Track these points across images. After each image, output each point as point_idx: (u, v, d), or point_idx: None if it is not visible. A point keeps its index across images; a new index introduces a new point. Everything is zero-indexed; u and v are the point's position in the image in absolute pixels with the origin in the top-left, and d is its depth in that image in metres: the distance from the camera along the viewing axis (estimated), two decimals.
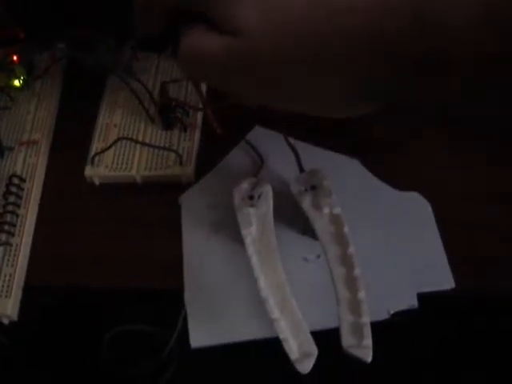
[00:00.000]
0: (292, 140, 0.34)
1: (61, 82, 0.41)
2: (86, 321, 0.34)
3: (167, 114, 0.37)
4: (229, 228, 0.33)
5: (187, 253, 0.33)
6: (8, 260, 0.34)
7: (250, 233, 0.30)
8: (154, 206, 0.35)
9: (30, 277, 0.34)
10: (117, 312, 0.33)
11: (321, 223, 0.30)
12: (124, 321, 0.32)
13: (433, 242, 0.32)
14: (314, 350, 0.27)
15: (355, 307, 0.27)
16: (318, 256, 0.32)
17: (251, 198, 0.31)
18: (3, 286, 0.33)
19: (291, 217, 0.32)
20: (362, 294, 0.28)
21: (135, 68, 0.40)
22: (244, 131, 0.37)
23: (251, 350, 0.30)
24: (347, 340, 0.27)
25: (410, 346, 0.31)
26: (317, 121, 0.36)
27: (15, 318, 0.33)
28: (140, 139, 0.37)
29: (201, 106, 0.37)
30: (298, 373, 0.26)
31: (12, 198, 0.35)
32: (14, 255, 0.34)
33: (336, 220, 0.30)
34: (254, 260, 0.29)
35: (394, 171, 0.34)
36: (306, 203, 0.31)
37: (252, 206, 0.31)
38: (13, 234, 0.34)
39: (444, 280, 0.31)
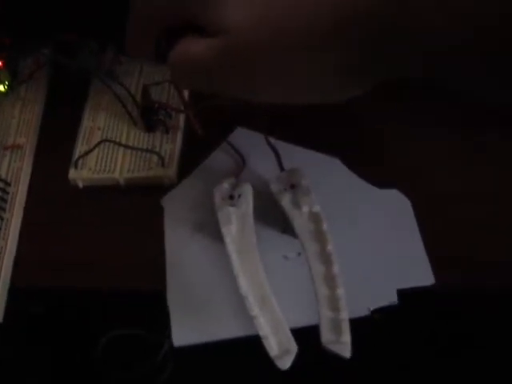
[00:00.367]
0: (273, 140, 0.35)
1: (45, 86, 0.42)
2: (80, 325, 0.34)
3: (149, 116, 0.37)
4: (210, 228, 0.33)
5: (170, 253, 0.33)
6: None
7: (229, 231, 0.30)
8: (137, 207, 0.35)
9: (15, 280, 0.34)
10: (111, 316, 0.34)
11: (300, 221, 0.30)
12: (118, 325, 0.32)
13: (412, 238, 0.32)
14: (293, 346, 0.27)
15: (334, 304, 0.28)
16: (299, 254, 0.32)
17: (231, 197, 0.32)
18: None
19: (272, 216, 0.33)
20: (340, 291, 0.28)
21: (118, 71, 0.40)
22: (226, 132, 0.37)
23: (247, 351, 0.30)
24: (326, 336, 0.27)
25: (390, 343, 0.31)
26: (298, 120, 0.36)
27: (0, 320, 0.33)
28: (123, 142, 0.37)
29: (183, 108, 0.37)
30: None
31: None
32: None
33: (315, 218, 0.30)
34: (234, 258, 0.29)
35: (375, 169, 0.35)
36: (286, 202, 0.31)
37: (232, 205, 0.31)
38: None
39: (424, 276, 0.31)
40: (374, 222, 0.33)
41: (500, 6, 0.20)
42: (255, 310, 0.28)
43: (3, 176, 0.37)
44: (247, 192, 0.32)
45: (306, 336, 0.28)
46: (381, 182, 0.34)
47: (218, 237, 0.31)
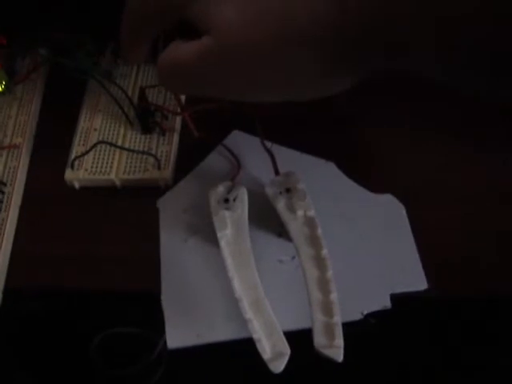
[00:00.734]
0: (269, 144, 0.35)
1: (42, 86, 0.42)
2: (75, 324, 0.34)
3: (146, 118, 0.37)
4: (205, 231, 0.33)
5: (164, 255, 0.33)
6: None
7: (225, 235, 0.31)
8: (132, 209, 0.35)
9: (10, 280, 0.34)
10: (105, 315, 0.34)
11: (295, 225, 0.30)
12: (113, 323, 0.32)
13: (406, 243, 0.32)
14: (286, 349, 0.27)
15: (327, 308, 0.28)
16: (293, 257, 0.32)
17: (227, 201, 0.32)
18: None
19: (267, 219, 0.33)
20: (334, 296, 0.28)
21: (115, 73, 0.40)
22: (222, 135, 0.37)
23: (241, 351, 0.30)
24: (319, 340, 0.27)
25: (383, 347, 0.31)
26: (293, 124, 0.37)
27: None
28: (119, 143, 0.37)
29: (179, 110, 0.37)
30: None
31: None
32: None
33: (310, 222, 0.30)
34: (229, 261, 0.30)
35: (369, 174, 0.35)
36: (281, 206, 0.31)
37: (227, 208, 0.31)
38: None
39: (417, 281, 0.31)
40: (368, 226, 0.33)
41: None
42: (249, 313, 0.28)
43: None
44: (242, 195, 0.32)
45: (300, 339, 0.28)
46: (375, 186, 0.34)
47: (212, 240, 0.31)
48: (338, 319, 0.28)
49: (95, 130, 0.38)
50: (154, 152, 0.36)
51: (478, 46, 0.21)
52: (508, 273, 0.31)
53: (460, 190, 0.35)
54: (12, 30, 0.41)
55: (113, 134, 0.38)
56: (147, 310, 0.33)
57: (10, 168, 0.38)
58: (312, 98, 0.27)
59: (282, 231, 0.32)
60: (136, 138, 0.37)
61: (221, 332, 0.31)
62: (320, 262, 0.29)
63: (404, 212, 0.34)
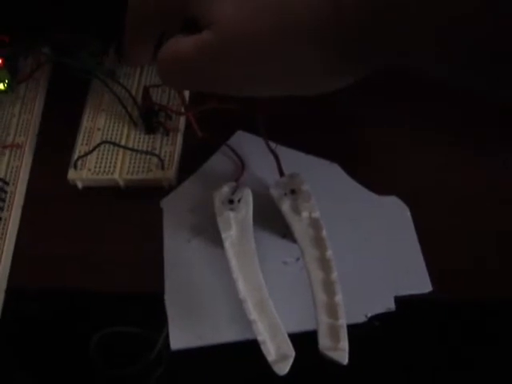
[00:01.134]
0: (273, 144, 0.35)
1: (45, 85, 0.41)
2: (77, 324, 0.34)
3: (150, 118, 0.37)
4: (209, 231, 0.33)
5: (168, 255, 0.33)
6: None
7: (229, 236, 0.30)
8: (136, 209, 0.35)
9: (12, 279, 0.34)
10: (105, 314, 0.34)
11: (300, 227, 0.30)
12: (112, 322, 0.32)
13: (411, 245, 0.32)
14: (291, 351, 0.27)
15: (332, 310, 0.28)
16: (298, 259, 0.32)
17: (231, 201, 0.32)
18: None
19: (271, 220, 0.33)
20: (338, 298, 0.28)
21: (119, 72, 0.40)
22: (226, 136, 0.37)
23: (240, 351, 0.31)
24: (324, 342, 0.27)
25: (387, 350, 0.31)
26: (298, 125, 0.37)
27: None
28: (123, 143, 0.37)
29: (183, 110, 0.37)
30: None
31: None
32: None
33: (315, 224, 0.30)
34: (233, 263, 0.30)
35: (374, 176, 0.35)
36: (286, 207, 0.31)
37: (232, 209, 0.31)
38: None
39: (421, 283, 0.31)
40: (372, 227, 0.33)
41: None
42: (253, 315, 0.28)
43: (2, 175, 0.37)
44: (247, 196, 0.32)
45: (304, 341, 0.28)
46: (380, 188, 0.34)
47: (216, 240, 0.31)
48: (342, 321, 0.27)
49: (98, 129, 0.38)
50: (157, 152, 0.36)
51: (478, 45, 0.21)
52: None
53: (461, 190, 0.34)
54: (15, 30, 0.41)
55: (116, 134, 0.38)
56: (147, 309, 0.32)
57: (12, 167, 0.37)
58: (314, 94, 0.27)
59: (286, 232, 0.32)
60: (139, 137, 0.37)
61: (224, 333, 0.31)
62: (325, 264, 0.29)
63: (408, 213, 0.33)
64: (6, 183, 0.37)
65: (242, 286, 0.29)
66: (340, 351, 0.27)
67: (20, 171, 0.37)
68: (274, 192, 0.32)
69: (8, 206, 0.36)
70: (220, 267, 0.31)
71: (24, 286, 0.34)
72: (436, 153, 0.36)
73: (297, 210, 0.31)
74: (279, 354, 0.27)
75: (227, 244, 0.30)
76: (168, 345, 0.30)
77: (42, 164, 0.38)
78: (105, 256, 0.34)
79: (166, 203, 0.35)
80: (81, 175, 0.36)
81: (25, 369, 0.34)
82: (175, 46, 0.27)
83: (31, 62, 0.42)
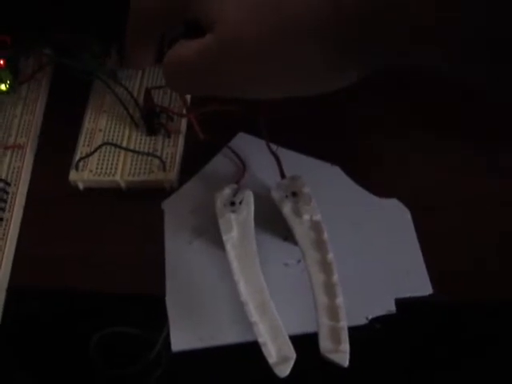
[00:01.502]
0: (274, 146, 0.35)
1: (47, 86, 0.41)
2: (74, 322, 0.34)
3: (151, 119, 0.37)
4: (210, 233, 0.33)
5: (169, 257, 0.33)
6: None
7: (230, 238, 0.30)
8: (137, 210, 0.35)
9: (14, 280, 0.34)
10: (104, 314, 0.34)
11: (301, 229, 0.30)
12: (111, 323, 0.32)
13: (411, 248, 0.32)
14: (292, 354, 0.27)
15: (333, 313, 0.28)
16: (299, 261, 0.32)
17: (232, 203, 0.32)
18: None
19: (272, 223, 0.33)
20: (339, 300, 0.28)
21: (120, 74, 0.40)
22: (228, 138, 0.37)
23: (239, 352, 0.31)
24: (325, 345, 0.27)
25: (388, 352, 0.31)
26: (299, 127, 0.37)
27: None
28: (124, 144, 0.37)
29: (185, 112, 0.37)
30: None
31: None
32: None
33: (316, 226, 0.30)
34: (235, 265, 0.30)
35: (375, 178, 0.35)
36: (287, 209, 0.31)
37: (233, 211, 0.31)
38: None
39: (422, 285, 0.31)
40: (373, 230, 0.33)
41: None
42: (255, 317, 0.28)
43: (3, 176, 0.37)
44: (248, 198, 0.32)
45: (305, 343, 0.28)
46: (381, 190, 0.34)
47: (218, 242, 0.31)
48: (344, 324, 0.28)
49: (100, 130, 0.38)
50: (159, 154, 0.36)
51: (478, 45, 0.21)
52: None
53: (461, 192, 0.35)
54: (16, 30, 0.41)
55: (118, 135, 0.38)
56: (147, 310, 0.33)
57: (14, 168, 0.37)
58: (314, 94, 0.27)
59: (287, 235, 0.32)
60: (141, 139, 0.37)
61: (225, 335, 0.31)
62: (326, 266, 0.29)
63: (409, 216, 0.34)
64: (8, 184, 0.37)
65: (243, 288, 0.29)
66: (341, 353, 0.27)
67: (21, 172, 0.37)
68: (275, 194, 0.32)
69: (9, 206, 0.36)
70: (221, 269, 0.31)
71: (25, 286, 0.34)
72: (436, 155, 0.36)
73: (298, 213, 0.31)
74: (280, 356, 0.27)
75: (228, 246, 0.30)
76: (168, 345, 0.31)
77: (44, 165, 0.38)
78: (106, 257, 0.34)
79: (168, 205, 0.35)
80: (82, 176, 0.36)
81: (25, 369, 0.34)
82: (179, 50, 0.27)
83: (33, 63, 0.42)
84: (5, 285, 0.34)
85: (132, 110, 0.38)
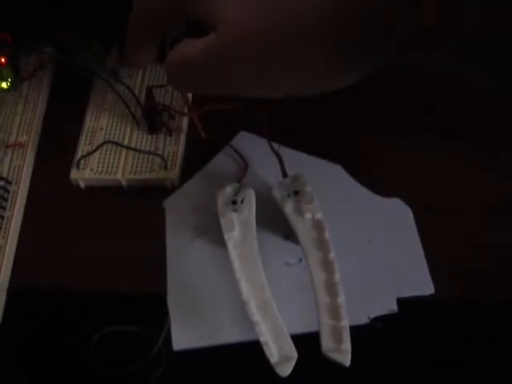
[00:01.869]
0: (276, 145, 0.35)
1: (48, 84, 0.41)
2: (74, 322, 0.34)
3: (153, 118, 0.37)
4: (212, 232, 0.33)
5: (171, 256, 0.33)
6: None
7: (232, 237, 0.30)
8: (138, 209, 0.35)
9: (14, 279, 0.34)
10: (105, 313, 0.34)
11: (302, 228, 0.30)
12: (112, 322, 0.32)
13: (413, 247, 0.32)
14: (293, 353, 0.27)
15: (334, 312, 0.28)
16: (300, 260, 0.32)
17: (234, 202, 0.32)
18: None
19: (274, 221, 0.33)
20: (341, 299, 0.28)
21: (122, 72, 0.40)
22: (229, 136, 0.37)
23: (239, 351, 0.31)
24: (326, 344, 0.27)
25: (390, 351, 0.31)
26: (300, 126, 0.37)
27: None
28: (126, 143, 0.37)
29: (186, 110, 0.37)
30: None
31: None
32: None
33: (318, 225, 0.30)
34: (236, 263, 0.30)
35: (377, 177, 0.35)
36: (289, 208, 0.31)
37: (235, 210, 0.31)
38: None
39: (423, 285, 0.31)
40: (374, 229, 0.33)
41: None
42: (256, 316, 0.28)
43: (4, 174, 0.37)
44: (250, 197, 0.32)
45: (307, 343, 0.28)
46: (383, 189, 0.34)
47: (219, 241, 0.31)
48: (345, 323, 0.28)
49: (101, 129, 0.38)
50: (160, 152, 0.36)
51: (478, 45, 0.21)
52: None
53: (462, 192, 0.35)
54: (17, 29, 0.40)
55: (119, 134, 0.38)
56: (147, 309, 0.32)
57: (15, 167, 0.37)
58: (314, 94, 0.27)
59: (289, 233, 0.32)
60: (142, 137, 0.37)
61: (227, 334, 0.31)
62: (327, 265, 0.29)
63: (411, 215, 0.34)
64: (9, 182, 0.36)
65: (244, 286, 0.29)
66: (342, 353, 0.27)
67: (22, 170, 0.37)
68: (277, 193, 0.32)
69: (10, 205, 0.36)
70: (223, 268, 0.31)
71: (25, 285, 0.34)
72: (437, 154, 0.36)
73: (300, 212, 0.31)
74: (282, 356, 0.27)
75: (230, 245, 0.30)
76: (168, 344, 0.31)
77: (45, 163, 0.38)
78: (107, 256, 0.34)
79: (169, 203, 0.35)
80: (83, 175, 0.36)
81: (25, 369, 0.34)
82: (182, 49, 0.27)
83: (34, 61, 0.42)
84: (5, 284, 0.34)
85: (133, 108, 0.38)
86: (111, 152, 0.37)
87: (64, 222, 0.36)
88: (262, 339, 0.27)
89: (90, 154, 0.36)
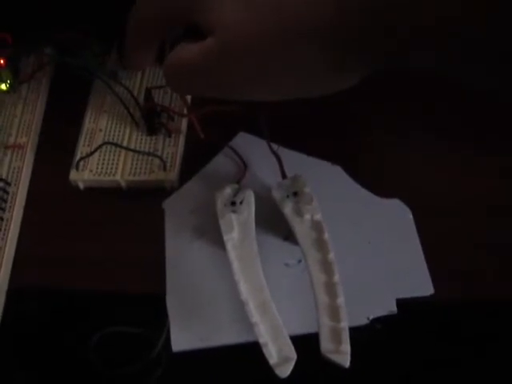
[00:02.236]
0: (275, 146, 0.35)
1: (47, 85, 0.41)
2: (74, 322, 0.34)
3: (152, 119, 0.37)
4: (211, 233, 0.33)
5: (170, 257, 0.33)
6: None
7: (231, 238, 0.30)
8: (137, 210, 0.35)
9: (14, 280, 0.34)
10: (105, 314, 0.34)
11: (302, 229, 0.30)
12: (112, 322, 0.32)
13: (413, 248, 0.32)
14: (293, 354, 0.27)
15: (334, 313, 0.28)
16: (299, 261, 0.32)
17: (233, 203, 0.32)
18: None
19: (273, 222, 0.33)
20: (340, 300, 0.28)
21: (121, 73, 0.40)
22: (228, 137, 0.37)
23: (238, 352, 0.31)
24: (326, 345, 0.27)
25: (390, 353, 0.31)
26: (299, 126, 0.37)
27: None
28: (125, 144, 0.37)
29: (185, 111, 0.37)
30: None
31: None
32: None
33: (317, 226, 0.30)
34: (235, 265, 0.30)
35: (376, 178, 0.35)
36: (288, 209, 0.31)
37: (234, 211, 0.31)
38: None
39: (423, 286, 0.31)
40: (374, 230, 0.33)
41: None
42: (255, 317, 0.28)
43: (4, 175, 0.37)
44: (249, 198, 0.32)
45: (306, 344, 0.28)
46: (382, 190, 0.34)
47: (218, 242, 0.31)
48: (345, 324, 0.27)
49: (100, 130, 0.38)
50: (159, 153, 0.36)
51: (477, 46, 0.21)
52: None
53: (462, 192, 0.35)
54: (17, 29, 0.40)
55: (118, 135, 0.38)
56: (147, 309, 0.32)
57: (14, 168, 0.37)
58: (315, 96, 0.27)
59: (288, 234, 0.32)
60: (141, 139, 0.37)
61: (226, 335, 0.31)
62: (327, 266, 0.29)
63: (410, 216, 0.33)
64: (8, 184, 0.36)
65: (243, 287, 0.29)
66: (342, 354, 0.27)
67: (22, 172, 0.37)
68: (276, 194, 0.32)
69: (10, 206, 0.36)
70: (222, 269, 0.31)
71: (25, 285, 0.34)
72: (437, 154, 0.36)
73: (299, 213, 0.31)
74: (281, 357, 0.27)
75: (229, 246, 0.30)
76: (168, 345, 0.30)
77: (44, 165, 0.38)
78: (106, 257, 0.34)
79: (168, 204, 0.35)
80: (82, 176, 0.36)
81: (25, 369, 0.34)
82: (181, 52, 0.27)
83: (33, 63, 0.42)
84: (5, 285, 0.34)
85: (132, 109, 0.38)
86: (110, 153, 0.37)
87: (63, 222, 0.36)
88: (261, 340, 0.27)
89: (89, 155, 0.36)
